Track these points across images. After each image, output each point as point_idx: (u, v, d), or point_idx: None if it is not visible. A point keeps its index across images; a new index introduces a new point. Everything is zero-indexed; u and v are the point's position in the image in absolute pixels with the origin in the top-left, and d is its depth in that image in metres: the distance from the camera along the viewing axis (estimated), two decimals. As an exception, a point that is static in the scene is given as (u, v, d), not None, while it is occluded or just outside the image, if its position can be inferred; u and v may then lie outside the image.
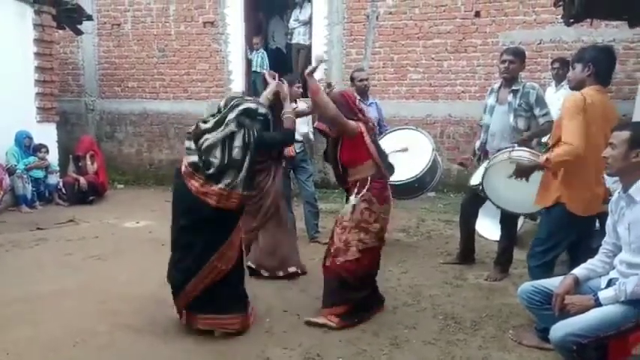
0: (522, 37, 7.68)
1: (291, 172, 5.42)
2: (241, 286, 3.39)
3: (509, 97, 4.27)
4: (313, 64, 3.59)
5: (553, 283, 2.74)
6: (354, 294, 3.47)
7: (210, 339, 3.20)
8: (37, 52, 7.43)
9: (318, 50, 8.38)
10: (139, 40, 9.39)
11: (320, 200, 6.12)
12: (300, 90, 4.84)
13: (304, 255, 4.75)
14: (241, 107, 3.18)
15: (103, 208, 7.28)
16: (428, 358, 3.05)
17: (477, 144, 4.58)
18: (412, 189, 5.03)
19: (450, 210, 6.94)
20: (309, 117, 5.37)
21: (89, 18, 8.42)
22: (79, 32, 8.56)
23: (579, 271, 2.71)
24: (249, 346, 3.16)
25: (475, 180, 4.26)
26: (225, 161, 3.06)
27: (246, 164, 3.11)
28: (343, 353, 3.09)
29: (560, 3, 5.82)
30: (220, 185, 3.06)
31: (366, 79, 5.42)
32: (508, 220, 4.42)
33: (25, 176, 6.99)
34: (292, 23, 9.24)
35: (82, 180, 7.51)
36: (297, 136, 5.34)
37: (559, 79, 6.17)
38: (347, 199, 3.60)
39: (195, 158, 3.13)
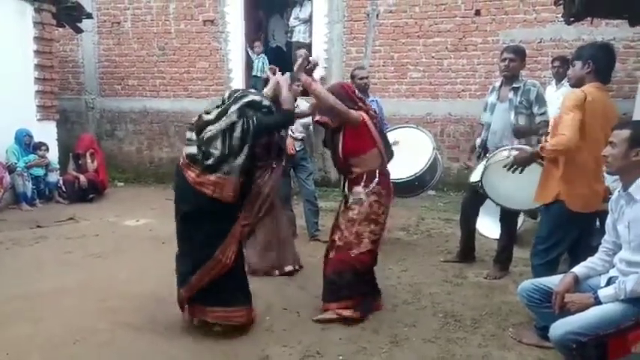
0: (523, 36, 7.68)
1: (292, 170, 5.43)
2: (245, 279, 3.39)
3: (510, 95, 4.28)
4: (298, 60, 3.60)
5: (553, 281, 2.74)
6: (365, 286, 3.53)
7: (211, 337, 3.20)
8: (37, 50, 7.42)
9: (316, 50, 8.44)
10: (139, 39, 9.39)
11: (320, 198, 6.12)
12: (300, 88, 4.84)
13: (304, 253, 4.77)
14: (245, 100, 3.17)
15: (103, 206, 7.28)
16: (428, 356, 3.05)
17: (478, 141, 4.59)
18: (412, 187, 5.03)
19: (450, 208, 6.95)
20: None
21: (89, 16, 8.41)
22: (78, 30, 8.56)
23: (579, 269, 2.71)
24: (250, 344, 3.16)
25: (475, 177, 4.27)
26: (226, 151, 3.05)
27: (244, 151, 3.08)
28: (343, 351, 3.09)
29: (561, 2, 5.82)
30: (217, 174, 3.04)
31: (367, 78, 5.41)
32: (508, 218, 4.43)
33: (25, 174, 6.99)
34: (292, 21, 9.24)
35: (82, 178, 7.52)
36: (298, 134, 5.36)
37: (559, 77, 6.17)
38: (344, 188, 3.60)
39: (193, 149, 3.13)
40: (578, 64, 3.15)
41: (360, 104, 3.51)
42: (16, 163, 6.96)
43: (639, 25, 6.04)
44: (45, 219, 6.33)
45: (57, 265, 4.59)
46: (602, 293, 2.48)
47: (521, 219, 5.05)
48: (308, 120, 5.51)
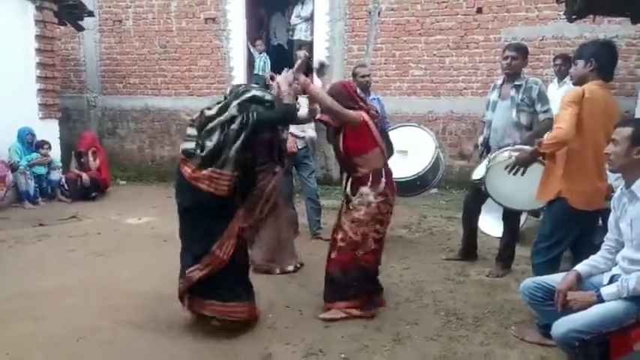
0: (525, 34, 7.65)
1: (294, 168, 5.43)
2: (246, 276, 3.39)
3: (512, 93, 4.27)
4: (298, 61, 3.61)
5: (555, 279, 2.74)
6: (370, 285, 3.55)
7: (213, 335, 3.20)
8: (39, 49, 7.43)
9: (318, 48, 8.44)
10: (140, 37, 9.39)
11: (322, 197, 6.12)
12: (300, 87, 4.83)
13: (305, 251, 4.77)
14: (247, 95, 3.17)
15: (105, 205, 7.29)
16: (430, 354, 3.05)
17: (480, 139, 4.58)
18: (414, 186, 5.03)
19: (452, 206, 6.94)
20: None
21: (90, 14, 8.41)
22: (80, 28, 8.56)
23: (581, 267, 2.71)
24: (252, 342, 3.17)
25: (477, 174, 4.27)
26: (222, 141, 3.04)
27: (238, 142, 3.06)
28: (345, 349, 3.09)
29: (563, -1, 5.81)
30: (211, 168, 3.04)
31: (368, 75, 5.40)
32: (510, 216, 4.43)
33: (27, 172, 7.01)
34: (294, 19, 9.23)
35: (84, 176, 7.53)
36: (299, 133, 5.36)
37: (561, 75, 6.15)
38: (346, 187, 3.59)
39: (190, 145, 3.13)
40: (581, 62, 3.14)
41: (361, 104, 3.50)
42: (18, 162, 6.97)
43: (642, 22, 6.03)
44: (47, 217, 6.34)
45: (59, 264, 4.60)
46: (605, 291, 2.47)
47: (523, 217, 5.04)
48: (313, 133, 5.53)
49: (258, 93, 3.24)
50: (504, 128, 4.31)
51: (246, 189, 3.33)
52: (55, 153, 7.69)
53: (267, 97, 3.27)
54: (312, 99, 3.53)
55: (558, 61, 6.26)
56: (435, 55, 8.17)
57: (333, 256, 3.54)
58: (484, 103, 4.64)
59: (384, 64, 8.38)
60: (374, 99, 5.40)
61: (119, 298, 3.76)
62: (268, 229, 4.39)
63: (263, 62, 9.04)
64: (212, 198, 3.07)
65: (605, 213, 2.90)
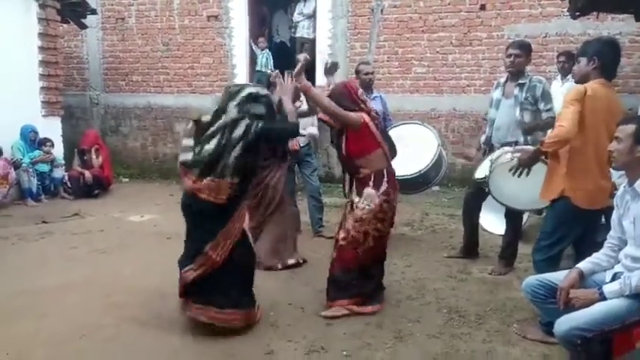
0: (528, 31, 7.63)
1: (296, 166, 5.43)
2: (248, 278, 3.35)
3: (516, 91, 4.25)
4: (298, 65, 3.62)
5: (558, 277, 2.73)
6: (371, 282, 3.57)
7: (216, 332, 3.20)
8: (42, 46, 7.44)
9: (320, 46, 8.43)
10: (143, 34, 9.39)
11: (324, 194, 6.12)
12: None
13: (308, 249, 4.78)
14: (242, 94, 3.15)
15: (108, 202, 7.31)
16: (432, 352, 3.05)
17: (483, 138, 4.57)
18: (417, 184, 5.03)
19: (454, 204, 6.92)
20: (314, 117, 5.36)
21: (93, 12, 8.44)
22: (83, 26, 8.58)
23: (584, 265, 2.70)
24: (254, 339, 3.17)
25: (480, 173, 4.26)
26: (221, 147, 3.03)
27: (236, 150, 3.04)
28: (347, 346, 3.09)
29: (566, -4, 5.79)
30: (209, 178, 3.04)
31: (372, 73, 5.40)
32: (513, 214, 4.41)
33: (30, 170, 7.02)
34: (296, 17, 9.23)
35: (87, 174, 7.54)
36: (302, 131, 5.35)
37: (565, 72, 6.13)
38: (350, 189, 3.61)
39: (187, 156, 3.13)
40: (583, 60, 3.12)
41: (362, 105, 3.51)
42: (21, 159, 6.99)
43: (645, 19, 6.01)
44: (50, 215, 6.36)
45: (62, 261, 4.62)
46: (607, 289, 2.47)
47: (526, 215, 5.03)
48: (314, 130, 5.52)
49: (253, 90, 3.22)
50: (507, 126, 4.30)
51: (244, 190, 3.30)
52: (58, 150, 7.70)
53: (262, 91, 3.27)
54: (313, 102, 3.54)
55: (562, 59, 6.24)
56: (437, 52, 8.16)
57: (335, 255, 3.55)
58: (487, 101, 4.64)
59: (387, 61, 8.37)
60: (376, 97, 5.40)
61: (122, 295, 3.77)
62: (273, 224, 4.40)
63: (265, 59, 9.04)
64: (212, 206, 3.07)
65: (608, 211, 2.89)
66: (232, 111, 3.10)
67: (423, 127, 5.31)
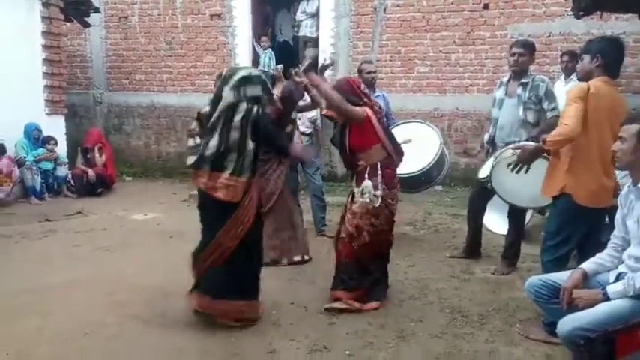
0: (531, 30, 7.61)
1: (299, 165, 5.42)
2: (256, 271, 3.39)
3: (519, 90, 4.25)
4: (305, 62, 3.65)
5: (561, 277, 2.73)
6: (370, 277, 3.59)
7: (219, 330, 3.22)
8: (45, 45, 7.46)
9: (323, 44, 8.44)
10: (146, 33, 9.40)
11: (327, 193, 6.12)
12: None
13: (311, 248, 4.78)
14: (236, 77, 3.15)
15: (111, 201, 7.33)
16: (434, 352, 3.05)
17: (486, 137, 4.57)
18: (419, 182, 5.02)
19: (457, 204, 6.92)
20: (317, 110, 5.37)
21: (96, 10, 8.45)
22: (86, 25, 8.59)
23: (588, 265, 2.70)
24: (257, 337, 3.17)
25: (483, 173, 4.25)
26: (224, 136, 3.04)
27: (248, 147, 3.08)
28: (350, 345, 3.09)
29: (570, -5, 5.78)
30: (225, 175, 3.06)
31: (374, 72, 5.39)
32: (516, 214, 4.41)
33: (34, 168, 7.05)
34: (299, 16, 9.21)
35: (90, 172, 7.56)
36: (305, 129, 5.37)
37: (568, 72, 6.11)
38: (351, 178, 3.64)
39: (194, 157, 3.14)
40: (587, 57, 3.12)
41: (365, 100, 3.55)
42: (25, 157, 7.01)
43: (650, 19, 5.99)
44: (54, 213, 6.38)
45: (66, 259, 4.63)
46: (611, 289, 2.47)
47: (529, 215, 5.02)
48: (315, 114, 5.51)
49: (245, 72, 3.23)
50: (511, 126, 4.29)
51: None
52: (62, 149, 7.72)
53: (255, 72, 3.30)
54: (322, 96, 3.57)
55: (565, 58, 6.22)
56: (440, 51, 8.14)
57: (340, 247, 3.62)
58: (490, 100, 4.63)
59: (390, 60, 8.36)
60: (379, 96, 5.39)
61: (125, 293, 3.78)
62: (271, 219, 4.40)
63: (268, 58, 9.02)
64: (227, 203, 3.10)
65: (612, 210, 2.89)
66: (229, 95, 3.10)
67: (426, 125, 5.31)
